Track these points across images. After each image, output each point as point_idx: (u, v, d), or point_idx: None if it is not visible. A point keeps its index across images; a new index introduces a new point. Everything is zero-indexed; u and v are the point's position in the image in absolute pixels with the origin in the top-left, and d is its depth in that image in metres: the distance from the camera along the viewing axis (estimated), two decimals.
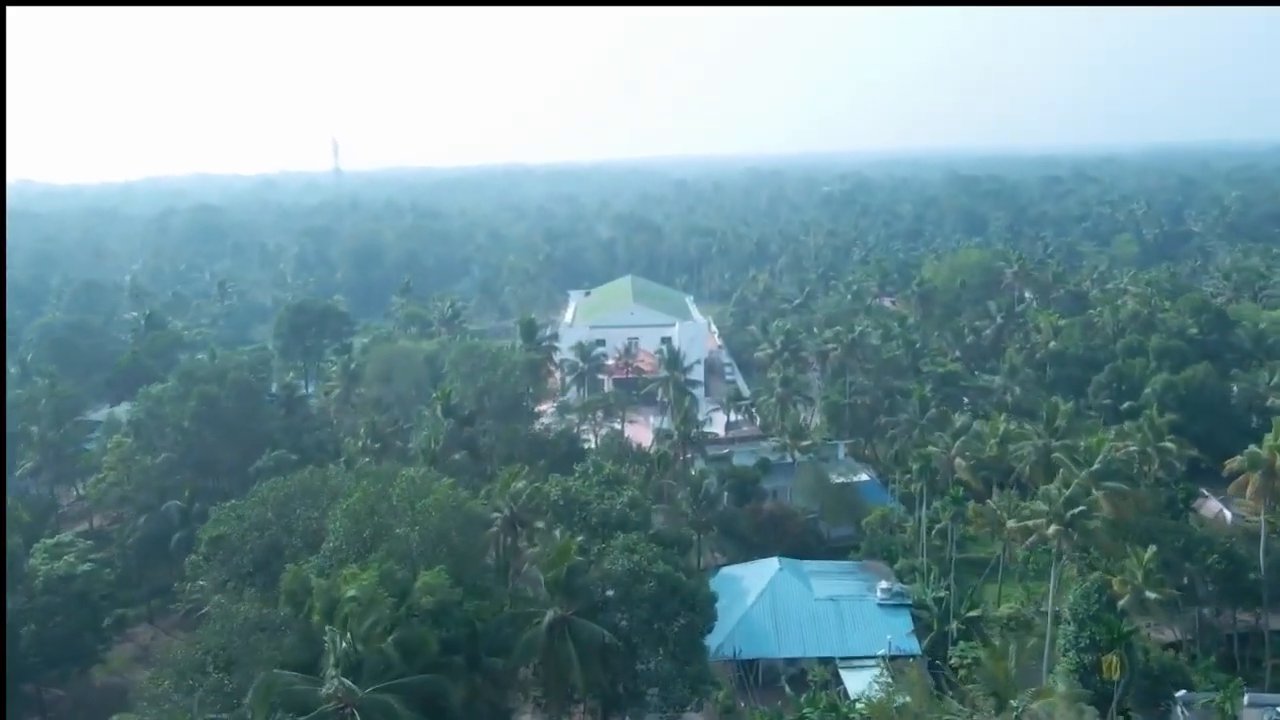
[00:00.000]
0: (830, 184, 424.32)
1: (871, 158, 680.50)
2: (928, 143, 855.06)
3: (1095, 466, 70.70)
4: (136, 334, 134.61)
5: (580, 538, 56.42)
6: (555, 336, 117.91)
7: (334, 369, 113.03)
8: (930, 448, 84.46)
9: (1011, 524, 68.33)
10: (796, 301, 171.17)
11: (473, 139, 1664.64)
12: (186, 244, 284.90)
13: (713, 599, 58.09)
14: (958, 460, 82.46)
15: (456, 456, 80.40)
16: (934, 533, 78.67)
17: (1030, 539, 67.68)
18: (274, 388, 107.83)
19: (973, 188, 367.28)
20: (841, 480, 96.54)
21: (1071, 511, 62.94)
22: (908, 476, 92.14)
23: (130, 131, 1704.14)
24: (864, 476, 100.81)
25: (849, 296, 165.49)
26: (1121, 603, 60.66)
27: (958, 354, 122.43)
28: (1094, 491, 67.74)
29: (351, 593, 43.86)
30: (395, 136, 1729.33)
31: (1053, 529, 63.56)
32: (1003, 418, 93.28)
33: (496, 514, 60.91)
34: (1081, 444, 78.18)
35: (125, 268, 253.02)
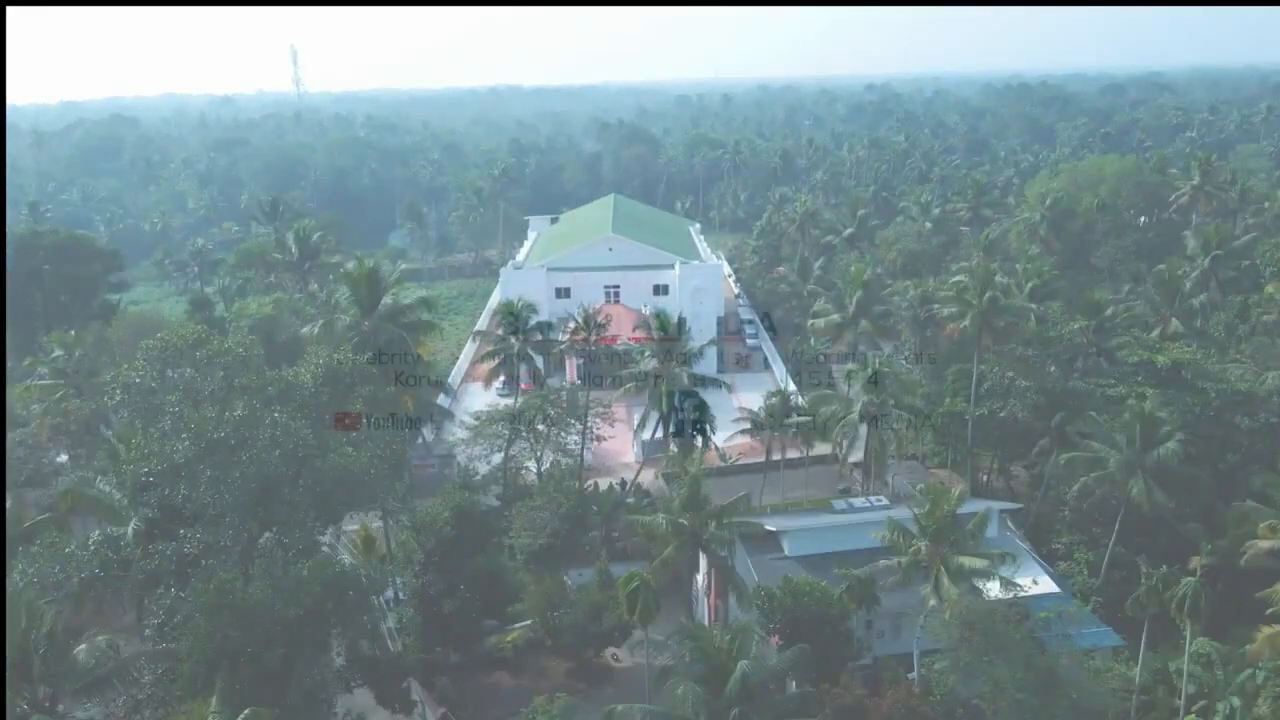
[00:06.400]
0: (853, 97, 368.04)
1: (880, 79, 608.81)
2: (925, 68, 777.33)
3: None
4: None
5: None
6: (417, 307, 59.35)
7: (55, 356, 62.38)
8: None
9: None
10: (848, 231, 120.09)
11: (459, 58, 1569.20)
12: (80, 162, 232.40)
13: None
14: None
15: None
16: None
17: None
18: None
19: (1027, 95, 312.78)
20: (1010, 594, 46.44)
21: None
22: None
23: (108, 52, 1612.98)
24: (1049, 583, 51.09)
25: (928, 224, 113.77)
26: None
27: (1176, 324, 70.48)
28: None
29: None
30: (374, 57, 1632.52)
31: None
32: None
33: None
34: None
35: None
